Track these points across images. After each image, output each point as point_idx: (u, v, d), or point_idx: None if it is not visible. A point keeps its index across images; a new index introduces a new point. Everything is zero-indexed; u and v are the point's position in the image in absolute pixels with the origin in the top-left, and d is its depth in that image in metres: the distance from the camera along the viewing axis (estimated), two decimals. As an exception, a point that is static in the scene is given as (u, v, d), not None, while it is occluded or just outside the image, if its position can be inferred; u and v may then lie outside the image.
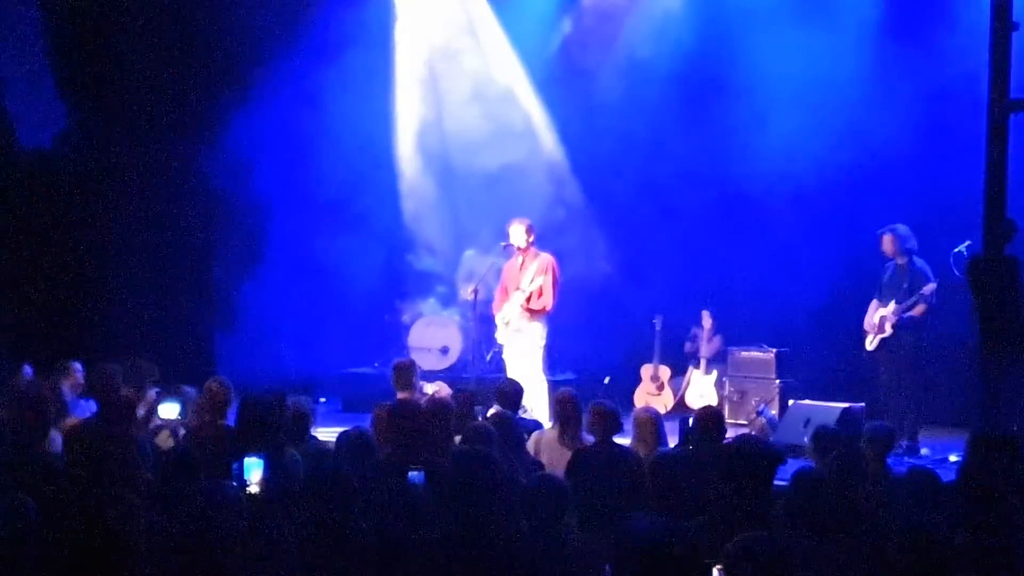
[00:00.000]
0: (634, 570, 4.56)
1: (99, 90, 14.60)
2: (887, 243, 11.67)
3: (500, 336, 12.13)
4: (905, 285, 11.56)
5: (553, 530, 5.65)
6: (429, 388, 9.71)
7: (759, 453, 5.75)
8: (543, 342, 11.90)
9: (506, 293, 11.99)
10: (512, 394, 9.30)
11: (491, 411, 9.28)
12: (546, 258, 11.86)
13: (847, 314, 12.29)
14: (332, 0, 14.14)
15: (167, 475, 6.52)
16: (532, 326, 11.82)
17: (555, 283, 11.82)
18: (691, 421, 8.33)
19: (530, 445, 8.58)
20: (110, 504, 4.89)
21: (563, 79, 14.55)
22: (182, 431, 8.22)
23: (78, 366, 9.66)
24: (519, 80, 14.82)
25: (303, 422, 8.10)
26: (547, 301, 11.78)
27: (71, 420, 8.39)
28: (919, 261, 11.63)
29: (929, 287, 11.43)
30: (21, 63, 14.00)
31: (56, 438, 7.61)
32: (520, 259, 11.92)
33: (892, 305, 11.58)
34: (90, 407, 8.74)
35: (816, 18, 13.13)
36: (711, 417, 8.24)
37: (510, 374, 11.54)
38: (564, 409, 8.66)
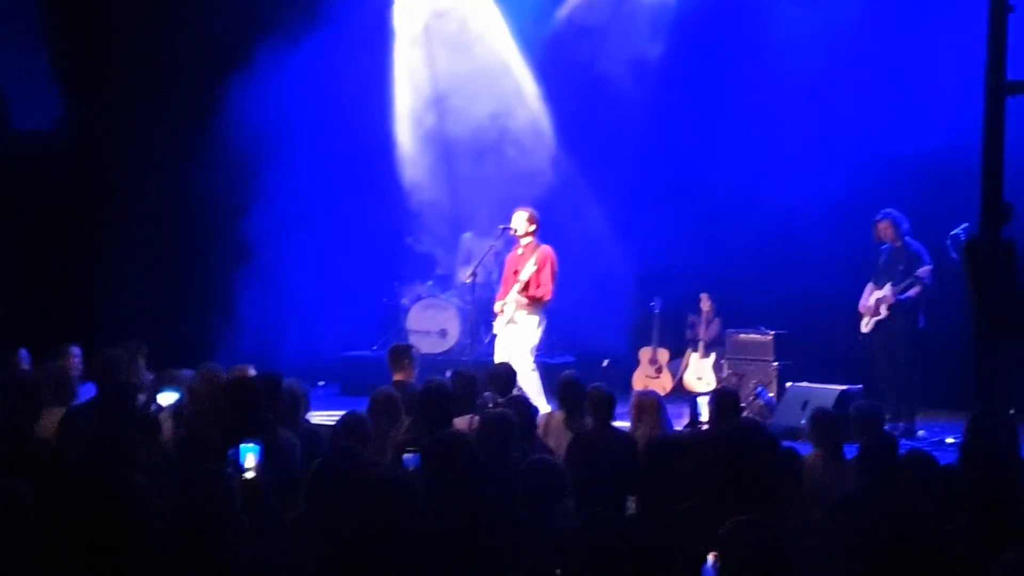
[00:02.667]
0: (629, 556, 4.56)
1: (96, 72, 14.56)
2: (886, 229, 11.72)
3: (496, 326, 12.05)
4: (901, 267, 11.61)
5: (550, 513, 5.67)
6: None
7: (756, 437, 5.76)
8: (538, 334, 11.78)
9: (507, 284, 11.93)
10: (504, 378, 9.30)
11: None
12: (545, 250, 11.74)
13: (845, 297, 12.30)
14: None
15: (166, 460, 6.55)
16: (528, 318, 11.72)
17: (553, 274, 11.72)
18: (703, 401, 8.35)
19: (539, 428, 8.57)
20: (121, 487, 4.89)
21: (562, 56, 14.50)
22: (181, 417, 8.20)
23: (76, 350, 9.65)
24: (518, 57, 14.80)
25: (297, 405, 8.10)
26: (545, 291, 11.69)
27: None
28: (914, 243, 11.67)
29: (925, 269, 11.46)
30: (16, 46, 13.95)
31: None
32: (520, 249, 11.86)
33: (888, 287, 11.60)
34: (87, 391, 8.72)
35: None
36: (727, 396, 8.27)
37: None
38: (569, 392, 8.66)
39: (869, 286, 11.81)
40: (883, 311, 11.62)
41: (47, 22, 14.19)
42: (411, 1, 15.00)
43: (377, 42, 14.81)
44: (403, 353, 9.56)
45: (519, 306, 11.69)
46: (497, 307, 11.90)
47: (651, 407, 8.32)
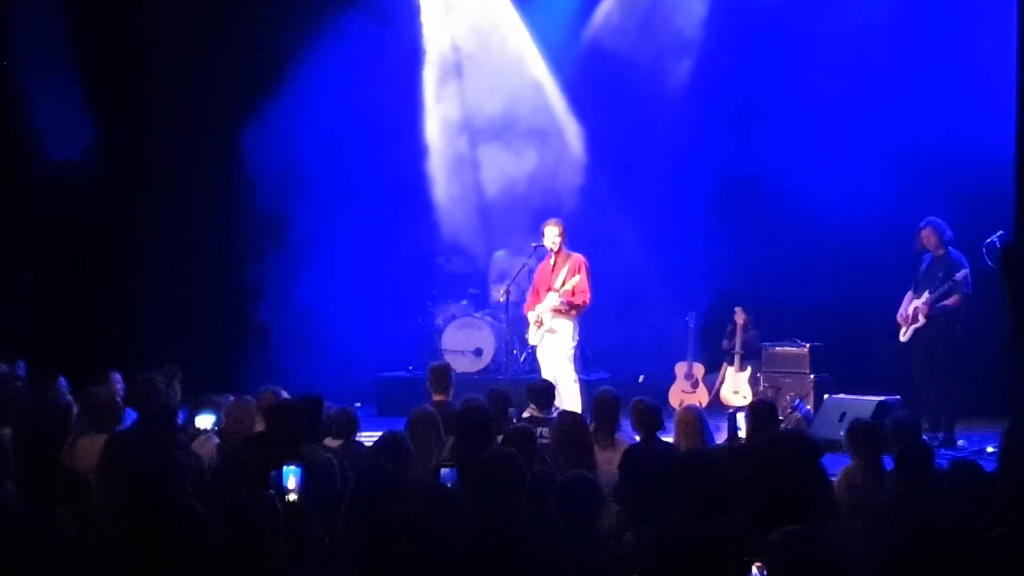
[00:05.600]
0: (674, 569, 4.55)
1: (127, 101, 14.68)
2: (928, 237, 11.64)
3: (532, 337, 12.13)
4: (940, 274, 11.52)
5: (587, 529, 5.66)
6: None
7: (801, 447, 5.71)
8: (575, 342, 11.91)
9: (538, 294, 12.00)
10: (544, 393, 9.32)
11: (526, 412, 9.29)
12: (578, 258, 11.88)
13: (880, 307, 12.25)
14: (360, 8, 14.20)
15: (208, 485, 6.56)
16: (564, 326, 11.82)
17: (589, 279, 11.84)
18: (741, 415, 8.32)
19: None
20: (171, 511, 4.91)
21: (592, 72, 14.52)
22: (216, 440, 8.23)
23: (118, 376, 9.69)
24: (547, 76, 14.83)
25: (349, 428, 8.13)
26: (586, 296, 11.81)
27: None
28: (955, 251, 11.59)
29: (961, 273, 11.38)
30: (48, 78, 14.08)
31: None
32: (552, 260, 11.94)
33: (926, 295, 11.54)
34: (129, 416, 8.75)
35: (845, 7, 13.14)
36: (764, 409, 8.24)
37: (544, 375, 11.56)
38: (601, 408, 8.67)
39: (908, 295, 11.74)
40: (921, 319, 11.55)
41: (78, 53, 14.31)
42: (440, 25, 15.04)
43: (407, 64, 14.86)
44: (444, 373, 9.59)
45: (555, 314, 11.77)
46: (532, 316, 11.95)
47: (691, 421, 8.31)
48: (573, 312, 11.83)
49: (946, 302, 11.45)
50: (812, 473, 5.48)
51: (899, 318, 11.73)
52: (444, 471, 6.47)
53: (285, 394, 8.65)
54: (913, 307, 11.62)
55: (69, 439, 7.36)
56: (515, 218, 14.13)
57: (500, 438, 7.57)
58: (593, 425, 8.69)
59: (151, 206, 14.84)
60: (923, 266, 11.74)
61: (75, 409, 8.16)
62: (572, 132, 14.73)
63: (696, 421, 8.27)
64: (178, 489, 5.52)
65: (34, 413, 7.12)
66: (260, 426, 7.83)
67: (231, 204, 14.64)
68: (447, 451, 7.61)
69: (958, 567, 4.81)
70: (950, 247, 11.60)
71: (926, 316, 11.51)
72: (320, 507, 6.16)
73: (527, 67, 14.84)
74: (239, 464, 6.39)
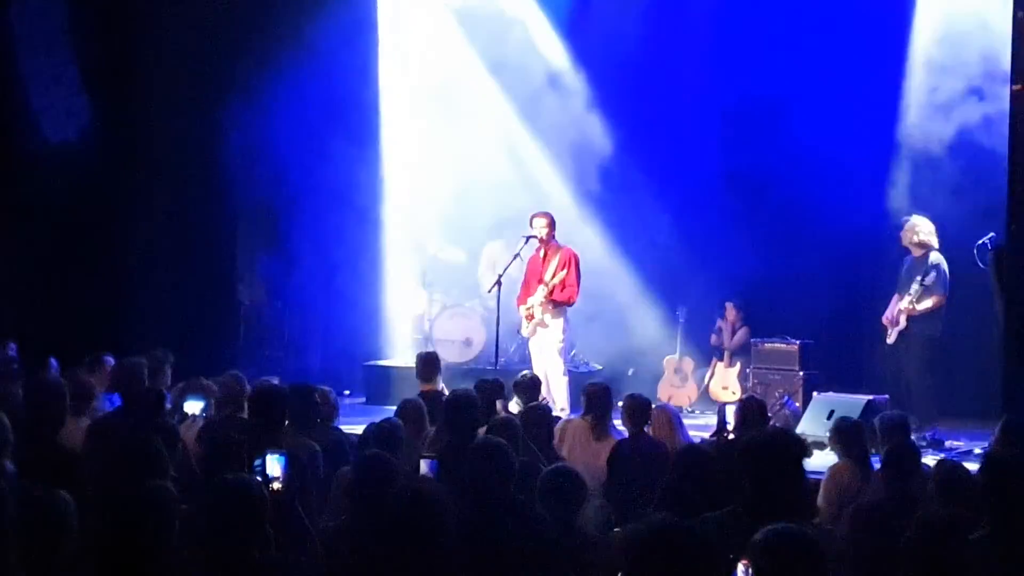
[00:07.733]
0: (660, 565, 4.54)
1: (124, 84, 14.63)
2: (903, 233, 11.62)
3: (523, 330, 12.13)
4: (918, 278, 11.47)
5: (569, 520, 5.68)
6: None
7: (788, 444, 5.73)
8: (564, 335, 11.90)
9: (529, 287, 12.00)
10: (529, 387, 9.36)
11: (512, 404, 9.31)
12: (568, 251, 11.87)
13: (871, 306, 12.27)
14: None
15: (193, 469, 6.57)
16: (554, 321, 11.81)
17: (578, 276, 11.82)
18: (731, 409, 8.37)
19: (555, 433, 8.62)
20: (147, 496, 4.91)
21: (586, 62, 14.50)
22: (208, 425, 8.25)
23: (110, 360, 9.68)
24: (541, 58, 14.78)
25: (328, 413, 8.14)
26: (571, 293, 11.79)
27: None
28: (935, 257, 11.50)
29: (930, 277, 11.27)
30: (45, 58, 14.03)
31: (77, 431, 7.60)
32: (542, 252, 11.93)
33: (907, 299, 11.52)
34: (115, 401, 8.76)
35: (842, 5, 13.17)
36: (754, 406, 8.28)
37: (535, 367, 11.56)
38: (596, 401, 8.69)
39: (895, 297, 11.74)
40: (902, 321, 11.54)
41: (76, 34, 14.26)
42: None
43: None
44: (432, 363, 9.60)
45: (545, 308, 11.76)
46: (523, 311, 11.95)
47: (661, 419, 8.37)
48: (560, 307, 11.81)
49: (927, 305, 11.40)
50: (797, 471, 5.49)
51: (885, 320, 11.72)
52: (424, 462, 6.48)
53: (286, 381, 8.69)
54: (896, 310, 11.61)
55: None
56: (509, 209, 14.10)
57: (483, 430, 7.60)
58: (591, 419, 8.72)
59: (145, 189, 14.79)
60: (904, 267, 11.69)
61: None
62: (565, 120, 14.67)
63: (666, 419, 8.34)
64: (158, 473, 5.51)
65: (32, 393, 7.13)
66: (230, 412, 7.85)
67: (224, 189, 14.58)
68: (427, 442, 7.62)
69: (941, 567, 4.83)
70: (932, 251, 11.52)
71: (907, 319, 11.48)
72: (302, 495, 6.17)
73: (522, 44, 14.77)
74: (224, 449, 6.39)
